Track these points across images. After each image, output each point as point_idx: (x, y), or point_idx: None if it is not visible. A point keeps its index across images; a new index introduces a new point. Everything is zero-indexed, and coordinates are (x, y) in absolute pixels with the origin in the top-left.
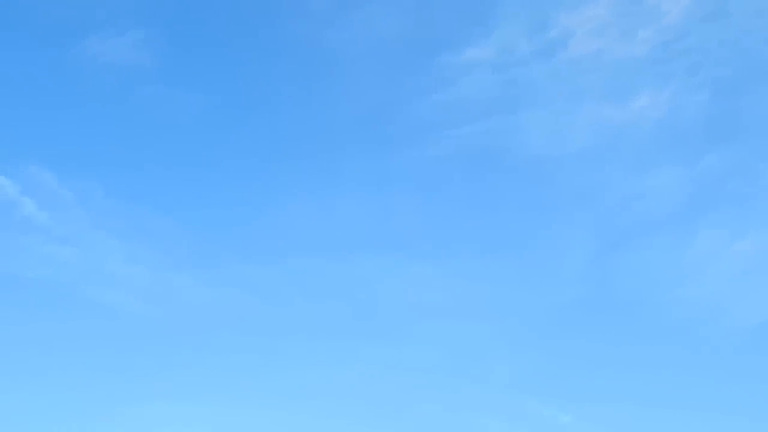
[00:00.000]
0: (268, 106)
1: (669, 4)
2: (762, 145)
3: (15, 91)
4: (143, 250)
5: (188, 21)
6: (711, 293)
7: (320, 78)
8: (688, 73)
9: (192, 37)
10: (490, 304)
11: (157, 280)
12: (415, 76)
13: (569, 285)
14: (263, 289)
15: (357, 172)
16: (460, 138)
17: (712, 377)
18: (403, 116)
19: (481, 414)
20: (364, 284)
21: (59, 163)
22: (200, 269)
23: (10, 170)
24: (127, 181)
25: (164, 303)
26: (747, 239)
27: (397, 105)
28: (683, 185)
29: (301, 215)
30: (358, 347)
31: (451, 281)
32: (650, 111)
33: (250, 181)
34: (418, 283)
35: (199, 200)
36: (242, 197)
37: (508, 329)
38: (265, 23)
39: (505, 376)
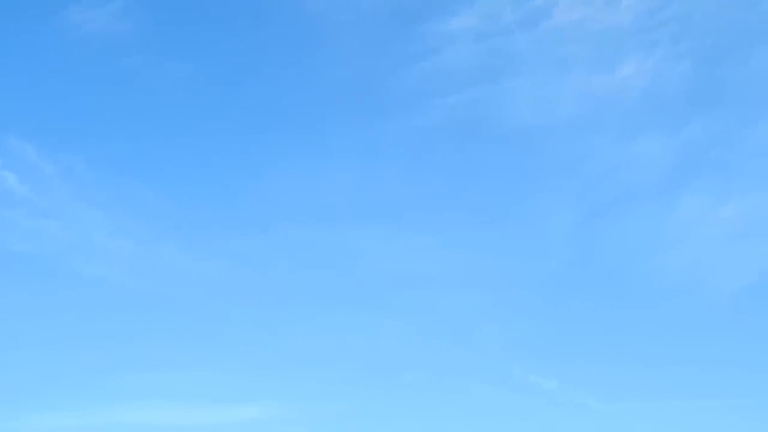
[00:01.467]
0: (252, 76)
1: None
2: (744, 112)
3: None
4: (128, 223)
5: None
6: (695, 259)
7: (305, 47)
8: (671, 42)
9: (173, 5)
10: (476, 272)
11: (143, 252)
12: (399, 45)
13: (555, 253)
14: (250, 259)
15: (343, 142)
16: (446, 108)
17: (696, 341)
18: (388, 86)
19: (469, 380)
20: (352, 253)
21: (39, 135)
22: (186, 240)
23: None
24: (110, 153)
25: (151, 275)
26: (729, 205)
27: (382, 75)
28: (667, 153)
29: (288, 185)
30: (347, 316)
31: (438, 250)
32: (634, 80)
33: (235, 152)
34: (406, 252)
35: (184, 171)
36: (228, 168)
37: (494, 297)
38: None
39: (492, 343)
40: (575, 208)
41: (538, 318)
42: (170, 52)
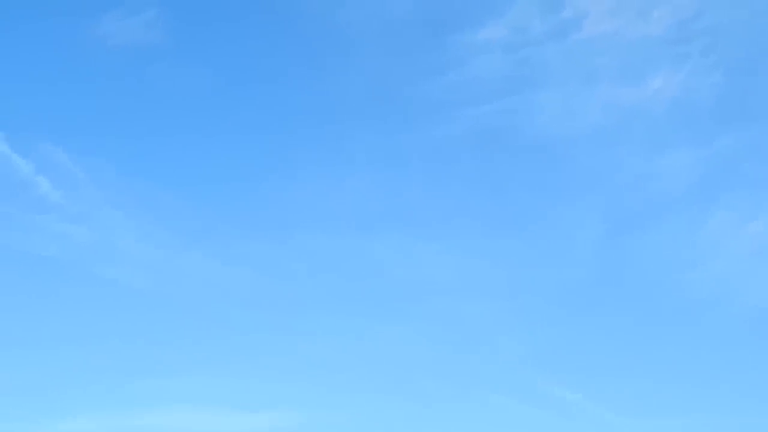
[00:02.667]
0: (280, 84)
1: None
2: None
3: (28, 71)
4: (154, 228)
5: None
6: (723, 274)
7: (332, 56)
8: (702, 54)
9: (203, 15)
10: (499, 283)
11: (167, 258)
12: (427, 55)
13: (580, 264)
14: (272, 265)
15: (368, 150)
16: (472, 118)
17: (723, 358)
18: (415, 95)
19: (490, 391)
20: (373, 261)
21: (72, 141)
22: (211, 246)
23: (24, 149)
24: (139, 159)
25: (175, 280)
26: (759, 220)
27: (410, 84)
28: (696, 166)
29: (311, 193)
30: (367, 323)
31: (460, 259)
32: (664, 92)
33: (260, 159)
34: (427, 260)
35: (210, 178)
36: (252, 175)
37: (518, 308)
38: (277, 1)
39: (515, 355)
40: (602, 220)
41: (561, 330)
42: (198, 60)
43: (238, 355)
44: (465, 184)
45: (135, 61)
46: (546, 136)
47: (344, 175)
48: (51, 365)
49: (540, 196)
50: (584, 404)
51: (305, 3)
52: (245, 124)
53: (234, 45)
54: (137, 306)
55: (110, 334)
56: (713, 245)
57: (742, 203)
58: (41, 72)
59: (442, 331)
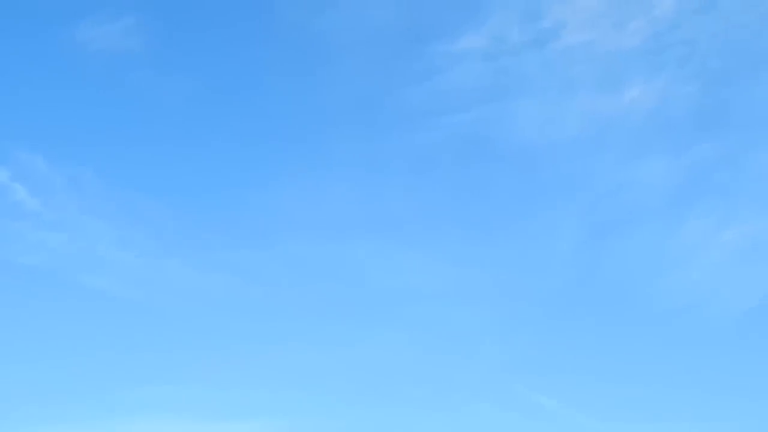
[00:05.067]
0: (259, 92)
1: None
2: (749, 136)
3: (4, 77)
4: (134, 236)
5: (179, 6)
6: (698, 281)
7: (312, 64)
8: (678, 65)
9: (183, 22)
10: (478, 289)
11: (148, 265)
12: (406, 64)
13: (558, 271)
14: (254, 273)
15: (348, 158)
16: (451, 126)
17: (699, 363)
18: (394, 103)
19: (469, 397)
20: (355, 268)
21: (50, 148)
22: (191, 254)
23: (0, 156)
24: (118, 167)
25: (155, 288)
26: (734, 228)
27: (389, 92)
28: (672, 175)
29: (293, 200)
30: (349, 331)
31: (440, 266)
32: (641, 102)
33: (241, 166)
34: (408, 267)
35: (190, 185)
36: (233, 182)
37: (497, 313)
38: (257, 8)
39: (494, 360)
40: (579, 227)
41: (540, 336)
42: (178, 67)
43: (221, 364)
44: (445, 191)
45: (114, 67)
46: (525, 144)
47: (325, 183)
48: (31, 374)
49: (519, 203)
50: (563, 410)
51: (285, 11)
52: (225, 131)
53: (213, 52)
54: (119, 314)
55: (92, 342)
56: (688, 252)
57: (716, 211)
58: (17, 78)
59: (423, 338)
